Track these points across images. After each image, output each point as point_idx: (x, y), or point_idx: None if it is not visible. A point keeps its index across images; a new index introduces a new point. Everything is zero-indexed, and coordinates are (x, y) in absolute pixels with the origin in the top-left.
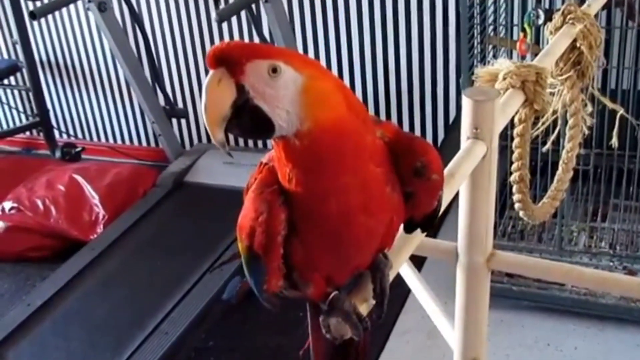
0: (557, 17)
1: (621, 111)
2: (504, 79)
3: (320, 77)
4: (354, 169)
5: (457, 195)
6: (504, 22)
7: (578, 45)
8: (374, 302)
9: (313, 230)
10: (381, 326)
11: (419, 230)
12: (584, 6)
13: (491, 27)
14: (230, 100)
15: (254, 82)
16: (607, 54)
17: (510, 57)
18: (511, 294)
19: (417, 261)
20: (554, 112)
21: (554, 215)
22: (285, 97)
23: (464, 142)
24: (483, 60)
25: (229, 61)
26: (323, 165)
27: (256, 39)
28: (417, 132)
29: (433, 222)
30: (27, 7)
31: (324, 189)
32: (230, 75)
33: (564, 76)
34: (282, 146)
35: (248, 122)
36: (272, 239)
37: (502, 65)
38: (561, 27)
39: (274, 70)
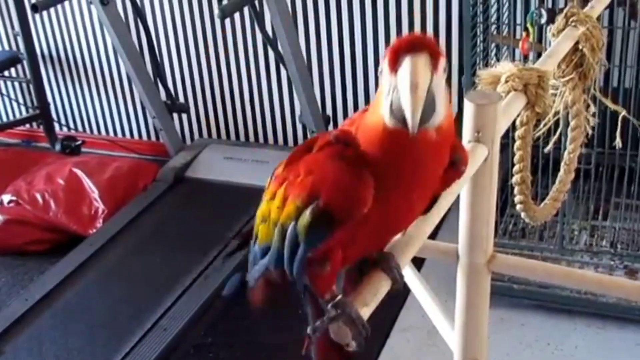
0: (559, 20)
1: (623, 112)
2: (506, 81)
3: None
4: (442, 166)
5: (456, 197)
6: (506, 21)
7: (580, 47)
8: (374, 306)
9: (373, 212)
10: (382, 323)
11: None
12: (587, 8)
13: (494, 26)
14: (427, 85)
15: (438, 75)
16: (609, 53)
17: (513, 56)
18: (511, 293)
19: (417, 259)
20: (556, 113)
21: (556, 214)
22: (442, 93)
23: (466, 146)
24: (485, 59)
25: (431, 51)
26: (434, 158)
27: (258, 35)
28: None
29: (433, 205)
30: None
31: (415, 179)
32: (431, 63)
33: (566, 78)
34: (417, 138)
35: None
36: (362, 206)
37: (504, 67)
38: (564, 29)
39: (445, 69)
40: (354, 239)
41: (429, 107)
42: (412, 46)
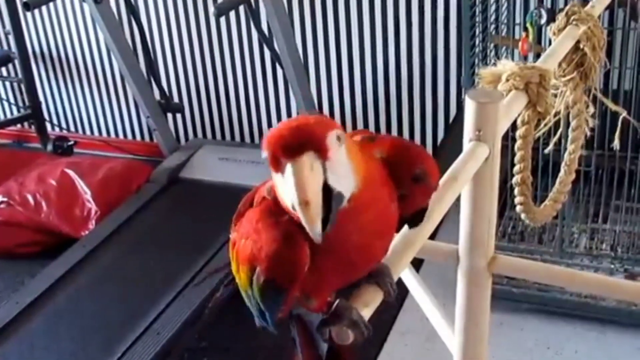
0: (560, 18)
1: (624, 114)
2: (507, 80)
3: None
4: (383, 209)
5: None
6: (505, 21)
7: (581, 46)
8: (375, 305)
9: (328, 257)
10: (379, 327)
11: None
12: (588, 7)
13: (493, 26)
14: (321, 186)
15: (332, 160)
16: (609, 54)
17: (512, 57)
18: (511, 296)
19: (415, 260)
20: (556, 113)
21: (555, 217)
22: (344, 164)
23: (467, 145)
24: (485, 59)
25: (312, 145)
26: (361, 217)
27: (254, 33)
28: (417, 130)
29: (422, 217)
30: None
31: (351, 232)
32: (318, 158)
33: (567, 77)
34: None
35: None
36: (300, 271)
37: (505, 66)
38: (565, 28)
39: (339, 138)
40: (322, 281)
41: (334, 198)
42: (290, 151)
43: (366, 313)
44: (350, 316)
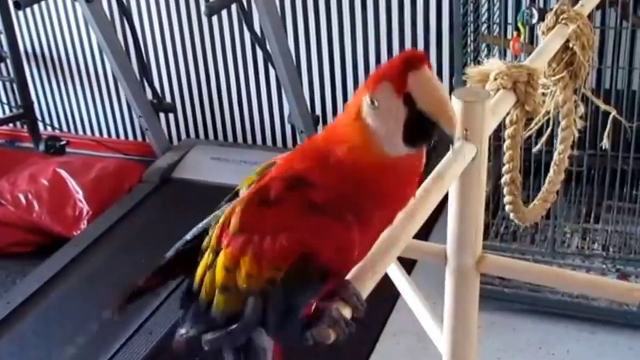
0: (549, 17)
1: (613, 112)
2: (495, 79)
3: None
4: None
5: (446, 197)
6: (497, 21)
7: (571, 45)
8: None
9: (375, 213)
10: (372, 326)
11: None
12: (577, 6)
13: (485, 26)
14: None
15: None
16: (601, 54)
17: (504, 56)
18: (502, 296)
19: (408, 262)
20: (546, 113)
21: (547, 217)
22: None
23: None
24: (476, 59)
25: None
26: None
27: (246, 34)
28: None
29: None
30: None
31: (400, 197)
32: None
33: (557, 77)
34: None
35: None
36: (353, 255)
37: (493, 65)
38: (554, 27)
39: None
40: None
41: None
42: (420, 61)
43: (347, 312)
44: (330, 314)
